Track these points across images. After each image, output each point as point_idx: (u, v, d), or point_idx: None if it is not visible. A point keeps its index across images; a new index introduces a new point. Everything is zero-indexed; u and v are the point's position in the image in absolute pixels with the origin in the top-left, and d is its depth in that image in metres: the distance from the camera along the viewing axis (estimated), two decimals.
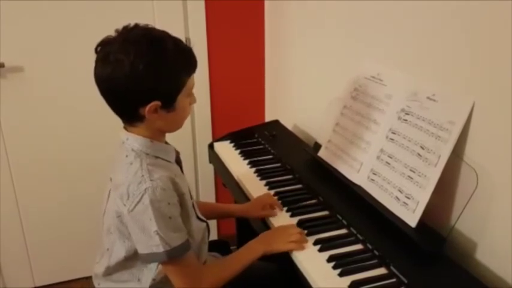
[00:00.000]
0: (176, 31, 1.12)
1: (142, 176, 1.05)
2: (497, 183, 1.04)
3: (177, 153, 1.21)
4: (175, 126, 1.16)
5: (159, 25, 1.12)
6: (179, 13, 2.08)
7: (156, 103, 1.05)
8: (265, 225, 1.34)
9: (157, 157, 1.12)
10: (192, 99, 1.14)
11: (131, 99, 1.05)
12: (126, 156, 1.10)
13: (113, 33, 1.06)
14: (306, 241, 1.19)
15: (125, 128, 1.14)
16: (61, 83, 2.02)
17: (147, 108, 1.05)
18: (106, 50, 1.04)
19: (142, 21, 1.09)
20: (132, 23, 1.07)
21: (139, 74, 1.01)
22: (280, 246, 1.18)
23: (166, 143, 1.18)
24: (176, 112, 1.10)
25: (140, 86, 1.03)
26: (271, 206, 1.36)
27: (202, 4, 2.10)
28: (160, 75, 1.03)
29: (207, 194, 2.39)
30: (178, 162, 1.22)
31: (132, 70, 1.00)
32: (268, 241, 1.21)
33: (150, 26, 1.08)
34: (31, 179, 2.11)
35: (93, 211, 1.99)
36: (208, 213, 1.32)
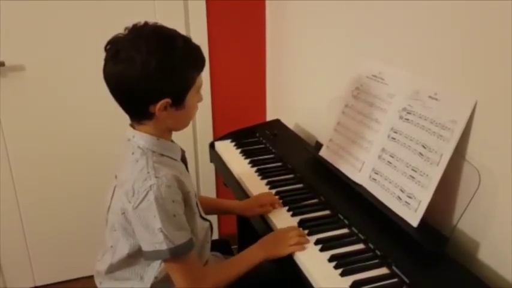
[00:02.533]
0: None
1: (148, 173, 1.05)
2: (499, 183, 1.03)
3: (183, 152, 1.22)
4: (183, 124, 1.16)
5: None
6: (180, 13, 2.07)
7: (166, 100, 1.05)
8: (266, 225, 1.33)
9: (163, 155, 1.12)
10: (199, 97, 1.15)
11: (142, 96, 1.05)
12: (133, 153, 1.10)
13: (114, 33, 1.06)
14: (307, 241, 1.18)
15: (131, 125, 1.14)
16: (62, 82, 2.02)
17: (158, 105, 1.05)
18: (116, 48, 1.03)
19: (144, 20, 1.08)
20: (137, 22, 1.07)
21: (151, 72, 1.01)
22: (280, 252, 1.17)
23: (172, 141, 1.18)
24: (185, 110, 1.10)
25: (151, 84, 1.03)
26: (272, 205, 1.36)
27: (203, 4, 2.10)
28: (171, 73, 1.03)
29: (208, 193, 2.39)
30: (184, 160, 1.22)
31: (144, 67, 1.00)
32: (269, 247, 1.21)
33: (159, 24, 1.08)
34: (32, 178, 2.11)
35: (94, 210, 2.01)
36: (207, 207, 1.31)
